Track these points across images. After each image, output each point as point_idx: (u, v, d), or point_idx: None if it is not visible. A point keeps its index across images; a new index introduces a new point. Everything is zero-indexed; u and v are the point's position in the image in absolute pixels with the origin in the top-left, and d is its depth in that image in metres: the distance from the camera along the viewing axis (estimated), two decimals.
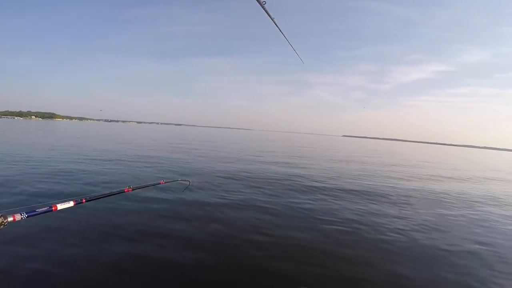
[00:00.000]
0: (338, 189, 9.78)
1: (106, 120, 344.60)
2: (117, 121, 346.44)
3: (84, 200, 2.16)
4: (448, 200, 9.51)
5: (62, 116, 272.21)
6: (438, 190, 11.12)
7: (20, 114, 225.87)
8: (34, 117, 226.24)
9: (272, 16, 1.62)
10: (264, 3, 1.49)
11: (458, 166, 25.82)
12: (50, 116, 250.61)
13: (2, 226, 1.64)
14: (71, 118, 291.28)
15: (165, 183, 3.51)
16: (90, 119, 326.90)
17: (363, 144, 77.97)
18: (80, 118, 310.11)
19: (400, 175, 15.07)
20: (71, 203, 2.02)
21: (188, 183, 4.25)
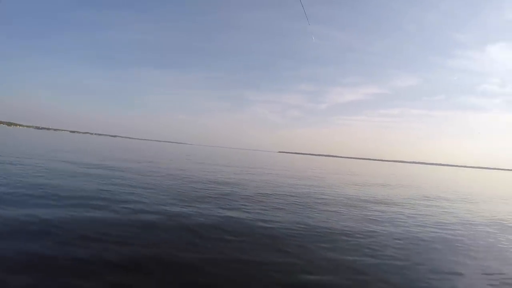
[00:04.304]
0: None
1: (37, 127, 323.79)
2: (49, 128, 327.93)
3: None
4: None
5: None
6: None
7: None
8: None
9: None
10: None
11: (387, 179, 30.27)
12: None
13: None
14: None
15: None
16: (20, 125, 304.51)
17: (294, 159, 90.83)
18: (9, 123, 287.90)
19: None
20: None
21: None
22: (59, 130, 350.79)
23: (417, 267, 5.39)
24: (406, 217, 9.93)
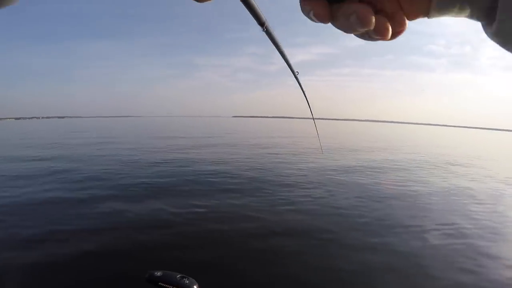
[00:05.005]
0: None
1: None
2: None
3: None
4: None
5: None
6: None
7: None
8: None
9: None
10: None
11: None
12: None
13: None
14: None
15: None
16: None
17: (252, 124, 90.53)
18: None
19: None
20: None
21: None
22: (3, 119, 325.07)
23: (373, 214, 6.47)
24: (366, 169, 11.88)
